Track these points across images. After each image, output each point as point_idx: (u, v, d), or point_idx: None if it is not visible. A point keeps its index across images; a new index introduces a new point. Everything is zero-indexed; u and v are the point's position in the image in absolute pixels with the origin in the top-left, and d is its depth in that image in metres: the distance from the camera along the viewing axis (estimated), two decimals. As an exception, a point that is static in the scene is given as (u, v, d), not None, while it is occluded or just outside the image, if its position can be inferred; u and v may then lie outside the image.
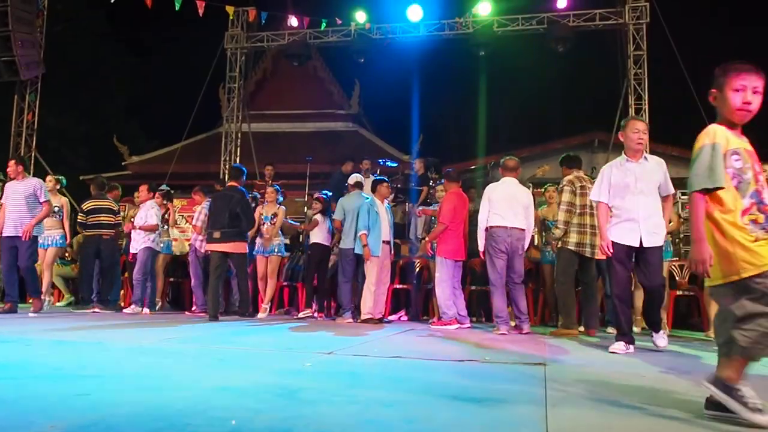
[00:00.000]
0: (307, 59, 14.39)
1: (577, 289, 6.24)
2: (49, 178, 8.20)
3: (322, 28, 12.75)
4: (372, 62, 13.69)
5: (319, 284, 7.85)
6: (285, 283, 8.44)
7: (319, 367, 3.23)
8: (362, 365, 3.39)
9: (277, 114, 20.62)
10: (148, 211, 7.86)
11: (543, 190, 7.90)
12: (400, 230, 9.35)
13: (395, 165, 12.18)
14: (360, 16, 12.76)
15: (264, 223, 7.75)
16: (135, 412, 1.98)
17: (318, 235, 7.68)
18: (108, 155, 20.24)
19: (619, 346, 4.38)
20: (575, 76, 18.43)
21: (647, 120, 11.38)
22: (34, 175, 8.42)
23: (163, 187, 8.70)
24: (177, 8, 10.16)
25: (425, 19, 12.71)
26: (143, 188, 8.06)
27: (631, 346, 4.42)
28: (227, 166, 13.96)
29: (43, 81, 12.15)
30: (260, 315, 7.57)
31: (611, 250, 4.47)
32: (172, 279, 9.11)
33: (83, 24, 22.81)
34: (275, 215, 7.85)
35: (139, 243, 7.76)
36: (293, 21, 12.96)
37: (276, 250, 7.88)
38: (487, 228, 5.93)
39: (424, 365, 3.41)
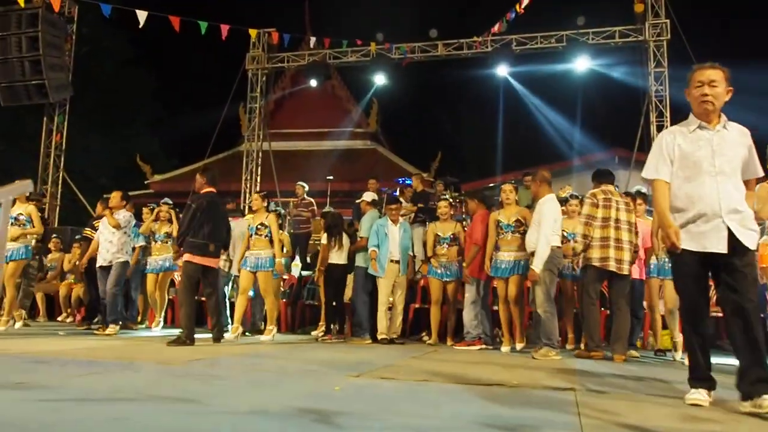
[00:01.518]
0: (327, 79, 14.60)
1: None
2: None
3: (343, 48, 12.90)
4: (390, 81, 13.81)
5: (335, 305, 7.63)
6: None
7: (348, 390, 3.24)
8: (391, 389, 3.39)
9: (295, 133, 20.87)
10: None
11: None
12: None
13: (409, 183, 12.20)
14: (379, 37, 12.91)
15: (251, 235, 6.95)
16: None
17: (333, 255, 7.51)
18: (131, 174, 20.57)
19: (699, 396, 3.05)
20: (595, 93, 18.43)
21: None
22: (61, 195, 8.54)
23: (167, 200, 8.48)
24: (203, 32, 10.38)
25: (443, 39, 12.83)
26: (116, 195, 7.38)
27: (711, 394, 3.10)
28: (248, 185, 14.13)
29: (69, 102, 12.44)
30: (264, 337, 6.83)
31: (677, 245, 3.05)
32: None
33: (107, 47, 23.35)
34: (263, 225, 6.93)
35: (108, 255, 7.15)
36: (312, 41, 13.12)
37: (265, 264, 6.90)
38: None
39: (453, 390, 3.40)
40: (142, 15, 9.84)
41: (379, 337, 6.90)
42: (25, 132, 20.09)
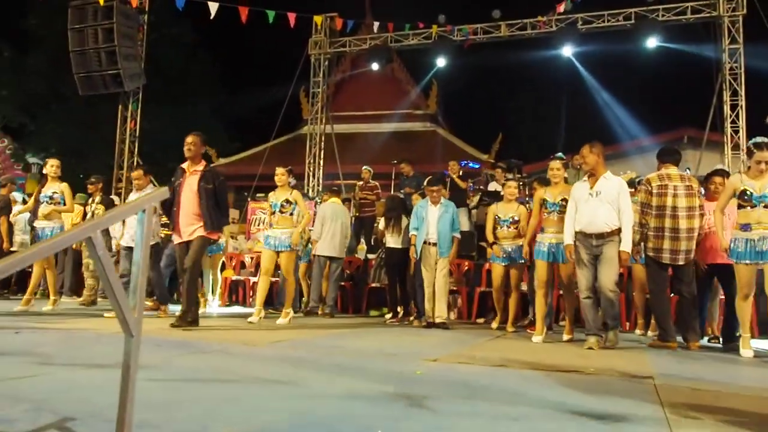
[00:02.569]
0: (389, 62, 14.65)
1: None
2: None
3: (406, 31, 12.91)
4: (451, 63, 13.73)
5: (393, 289, 7.80)
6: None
7: (430, 375, 3.38)
8: (472, 374, 3.50)
9: (355, 115, 21.00)
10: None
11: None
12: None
13: (477, 167, 12.19)
14: (441, 19, 12.85)
15: (273, 212, 6.62)
16: (286, 420, 2.18)
17: (390, 239, 7.59)
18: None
19: None
20: (664, 71, 17.83)
21: (743, 117, 10.92)
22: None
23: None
24: (270, 21, 10.62)
25: (507, 19, 12.66)
26: (139, 172, 7.04)
27: None
28: (311, 168, 14.42)
29: (142, 90, 12.98)
30: (280, 321, 6.43)
31: None
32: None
33: (172, 34, 23.99)
34: (288, 201, 6.57)
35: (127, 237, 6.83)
36: (375, 26, 13.18)
37: (289, 243, 6.52)
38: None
39: (532, 376, 3.48)
40: (213, 6, 10.16)
41: (395, 320, 7.09)
42: (98, 119, 21.02)
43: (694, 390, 3.22)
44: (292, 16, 10.99)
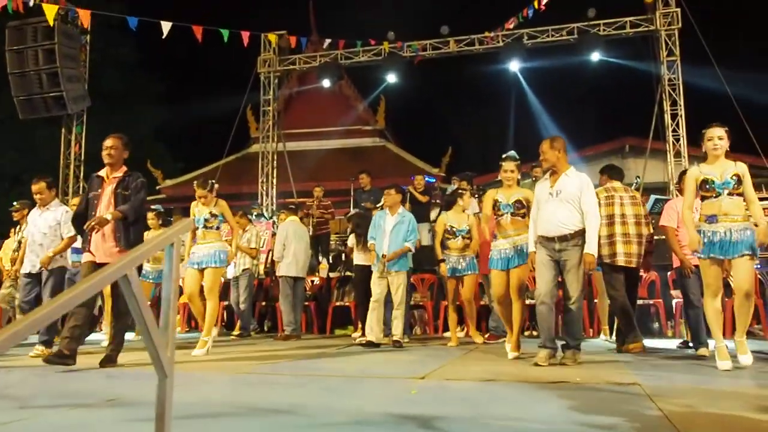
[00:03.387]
0: (339, 79, 14.65)
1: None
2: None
3: (357, 48, 12.96)
4: (401, 79, 13.85)
5: (362, 306, 7.43)
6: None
7: (426, 393, 3.35)
8: (466, 390, 3.50)
9: (303, 133, 20.90)
10: (61, 216, 5.98)
11: None
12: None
13: (433, 180, 12.28)
14: (390, 36, 12.97)
15: (197, 228, 5.98)
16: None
17: (359, 256, 7.54)
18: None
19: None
20: (605, 84, 18.55)
21: (683, 125, 11.45)
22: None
23: (157, 207, 8.15)
24: (225, 40, 10.48)
25: (455, 35, 12.89)
26: (41, 185, 5.97)
27: None
28: (264, 187, 14.22)
29: (87, 112, 12.53)
30: (197, 351, 5.60)
31: None
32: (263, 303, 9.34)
33: (112, 54, 23.35)
34: (213, 215, 5.97)
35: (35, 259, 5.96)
36: (326, 43, 13.19)
37: (216, 259, 5.89)
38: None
39: (525, 389, 3.50)
40: (166, 26, 9.93)
41: (364, 339, 6.46)
42: (35, 142, 20.18)
43: (680, 391, 3.32)
44: (245, 35, 10.87)
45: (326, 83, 13.90)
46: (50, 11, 10.08)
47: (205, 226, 5.92)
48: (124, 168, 4.92)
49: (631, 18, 12.05)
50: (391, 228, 6.53)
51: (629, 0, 12.35)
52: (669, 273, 7.50)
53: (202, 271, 5.88)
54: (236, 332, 8.33)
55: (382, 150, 21.10)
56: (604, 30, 12.09)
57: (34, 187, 5.98)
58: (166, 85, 27.74)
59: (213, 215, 5.95)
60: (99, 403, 3.09)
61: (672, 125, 11.53)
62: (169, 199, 19.05)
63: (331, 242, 11.64)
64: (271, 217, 11.24)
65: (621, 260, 5.64)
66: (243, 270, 8.33)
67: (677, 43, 11.65)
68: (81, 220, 4.83)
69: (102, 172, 4.88)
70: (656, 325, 7.65)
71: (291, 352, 6.00)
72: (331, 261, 10.65)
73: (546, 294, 4.65)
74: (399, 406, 2.99)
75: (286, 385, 3.78)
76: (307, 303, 8.90)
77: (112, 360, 4.69)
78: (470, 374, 4.13)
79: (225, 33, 10.64)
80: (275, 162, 14.35)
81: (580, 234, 4.62)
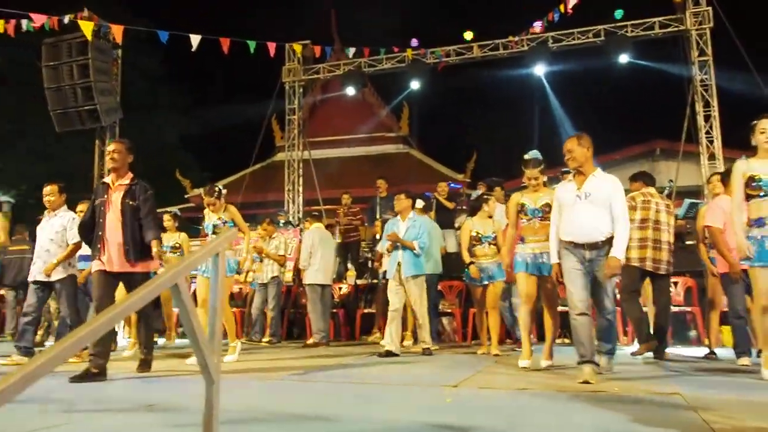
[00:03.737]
0: (363, 87, 14.71)
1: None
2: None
3: (380, 56, 13.01)
4: (424, 85, 13.86)
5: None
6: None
7: (460, 402, 3.34)
8: (499, 399, 3.48)
9: (327, 141, 21.02)
10: (68, 222, 5.82)
11: None
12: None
13: (459, 187, 12.26)
14: (413, 42, 13.00)
15: (207, 235, 6.09)
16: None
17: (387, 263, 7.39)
18: (171, 189, 20.97)
19: None
20: (633, 85, 18.33)
21: (716, 127, 11.24)
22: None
23: (173, 210, 8.15)
24: (252, 51, 10.64)
25: (479, 40, 12.88)
26: (53, 187, 5.86)
27: None
28: (290, 195, 14.33)
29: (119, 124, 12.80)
30: (228, 357, 5.64)
31: None
32: (292, 310, 9.43)
33: (140, 66, 23.85)
34: (223, 221, 5.98)
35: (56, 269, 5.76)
36: (349, 52, 13.27)
37: (226, 267, 5.79)
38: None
39: (560, 398, 3.46)
40: (195, 39, 10.13)
41: (386, 348, 6.11)
42: (65, 152, 20.63)
43: (723, 401, 3.25)
44: (272, 46, 11.03)
45: (350, 91, 13.96)
46: (87, 27, 10.35)
47: (214, 233, 5.90)
48: (131, 175, 4.80)
49: (660, 18, 11.88)
50: (404, 233, 6.41)
51: (658, 0, 12.19)
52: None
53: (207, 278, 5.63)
54: (266, 339, 8.39)
55: (405, 156, 21.10)
56: (632, 31, 11.94)
57: (46, 190, 5.85)
58: (193, 96, 28.22)
59: (223, 222, 5.91)
60: (139, 408, 3.15)
61: (705, 127, 11.31)
62: (197, 208, 19.28)
63: (363, 248, 11.63)
64: (297, 225, 11.31)
65: (649, 265, 5.66)
66: (272, 278, 8.40)
67: (709, 42, 11.44)
68: (88, 227, 4.74)
69: (107, 179, 4.78)
70: (693, 333, 7.49)
71: (321, 359, 6.02)
72: (359, 268, 10.66)
73: (581, 303, 4.15)
74: (433, 414, 2.99)
75: (320, 392, 3.80)
76: (335, 310, 8.94)
77: (147, 364, 4.75)
78: (503, 383, 4.10)
79: (252, 44, 10.80)
80: (301, 170, 14.46)
81: (610, 241, 4.15)
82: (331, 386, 4.11)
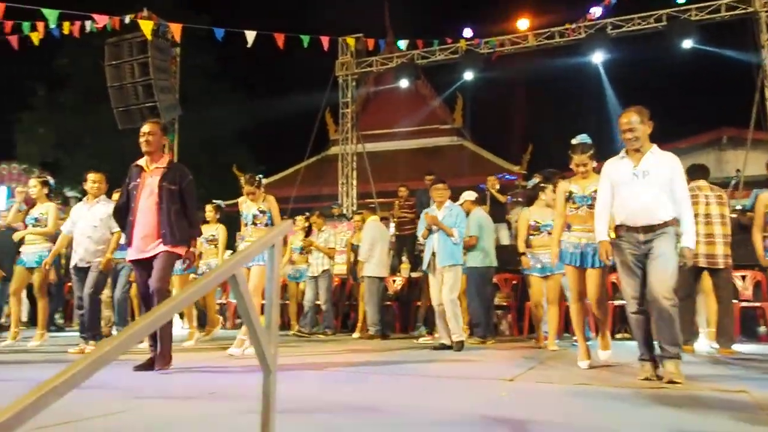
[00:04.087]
0: (416, 79, 14.66)
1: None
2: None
3: (434, 47, 12.93)
4: (478, 75, 13.69)
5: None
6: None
7: (516, 396, 3.29)
8: (557, 394, 3.41)
9: (380, 133, 21.07)
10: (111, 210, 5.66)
11: None
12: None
13: (514, 179, 12.08)
14: (467, 33, 12.86)
15: (246, 224, 6.00)
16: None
17: None
18: (227, 182, 21.46)
19: None
20: (699, 71, 17.61)
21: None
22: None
23: (219, 202, 8.10)
24: (305, 45, 10.76)
25: (533, 29, 12.63)
26: (101, 176, 6.06)
27: None
28: (344, 189, 14.45)
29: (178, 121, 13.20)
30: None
31: None
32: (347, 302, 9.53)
33: (196, 64, 24.48)
34: (262, 211, 5.88)
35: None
36: (402, 44, 13.23)
37: (262, 259, 6.05)
38: None
39: (622, 395, 3.36)
40: (250, 35, 10.33)
41: (440, 341, 6.09)
42: (128, 149, 21.40)
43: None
44: (325, 40, 11.14)
45: (403, 84, 13.94)
46: (146, 27, 10.70)
47: (253, 223, 5.81)
48: (167, 157, 4.61)
49: (726, 0, 11.35)
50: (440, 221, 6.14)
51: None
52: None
53: (248, 269, 5.50)
54: (320, 331, 8.49)
55: (459, 149, 20.93)
56: (696, 15, 11.46)
57: (95, 177, 5.94)
58: (247, 91, 28.73)
59: (262, 212, 5.81)
60: (200, 396, 3.23)
61: (775, 113, 10.80)
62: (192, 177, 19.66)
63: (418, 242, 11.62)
64: (350, 218, 11.38)
65: (702, 262, 5.53)
66: (323, 271, 8.45)
67: (779, 24, 10.89)
68: (123, 211, 4.54)
69: (141, 161, 4.51)
70: (763, 329, 7.16)
71: (376, 351, 6.05)
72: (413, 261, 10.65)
73: (636, 301, 3.89)
74: (488, 408, 2.95)
75: (375, 384, 3.81)
76: (389, 303, 8.96)
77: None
78: (560, 378, 4.01)
79: (305, 39, 10.93)
80: (354, 163, 14.54)
81: (672, 223, 3.78)
82: (386, 378, 4.12)
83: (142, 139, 4.47)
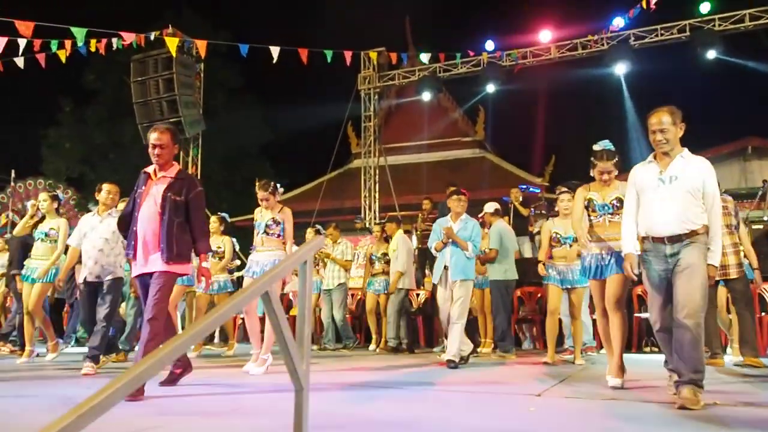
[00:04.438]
0: (438, 92, 14.67)
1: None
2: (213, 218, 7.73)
3: (457, 60, 12.95)
4: (500, 87, 13.66)
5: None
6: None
7: (545, 411, 3.25)
8: (586, 409, 3.35)
9: (401, 147, 21.07)
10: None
11: None
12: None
13: (538, 191, 11.99)
14: (489, 46, 12.86)
15: (258, 233, 5.63)
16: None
17: None
18: (249, 196, 21.61)
19: None
20: (723, 82, 17.43)
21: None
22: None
23: (224, 215, 8.05)
24: (329, 60, 10.88)
25: (556, 41, 12.59)
26: (116, 188, 5.90)
27: None
28: (367, 202, 14.47)
29: (201, 135, 13.39)
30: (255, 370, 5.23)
31: None
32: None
33: (220, 78, 24.82)
34: (275, 221, 5.54)
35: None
36: (424, 58, 13.28)
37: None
38: None
39: (650, 408, 3.30)
40: (275, 50, 10.47)
41: (443, 357, 5.89)
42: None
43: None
44: (348, 54, 11.24)
45: (425, 97, 13.97)
46: (172, 43, 10.90)
47: (266, 232, 5.46)
48: (177, 167, 4.31)
49: (750, 10, 11.23)
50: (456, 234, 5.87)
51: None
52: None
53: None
54: (341, 346, 8.46)
55: (481, 161, 20.83)
56: (720, 25, 11.34)
57: (111, 188, 5.78)
58: (269, 105, 29.05)
59: (275, 222, 5.47)
60: (226, 412, 3.25)
61: (802, 123, 10.61)
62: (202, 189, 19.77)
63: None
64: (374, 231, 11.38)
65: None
66: (338, 284, 8.41)
67: (806, 33, 10.73)
68: (127, 219, 4.22)
69: (150, 168, 4.22)
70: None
71: (400, 364, 6.02)
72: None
73: (664, 320, 3.58)
74: (517, 423, 2.92)
75: (402, 398, 3.80)
76: (413, 316, 8.93)
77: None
78: (589, 393, 3.94)
79: (328, 53, 11.04)
80: (377, 176, 14.58)
81: (700, 234, 3.47)
82: (413, 392, 4.10)
83: (153, 151, 4.15)
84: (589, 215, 4.50)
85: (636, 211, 3.72)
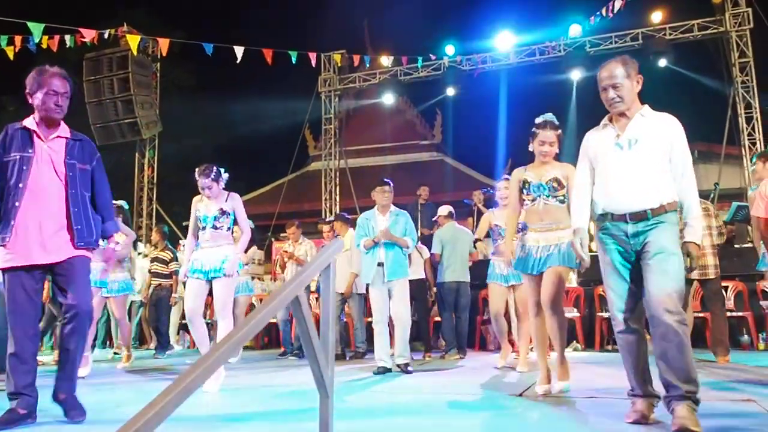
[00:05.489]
0: (399, 95, 14.72)
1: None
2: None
3: (419, 65, 13.03)
4: (458, 91, 13.80)
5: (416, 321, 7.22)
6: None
7: (530, 411, 3.29)
8: (573, 408, 3.42)
9: (359, 149, 21.06)
10: None
11: None
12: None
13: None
14: (450, 50, 12.98)
15: (204, 228, 4.77)
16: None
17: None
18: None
19: None
20: (671, 89, 18.05)
21: (759, 129, 11.02)
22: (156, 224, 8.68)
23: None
24: (294, 61, 10.79)
25: (515, 46, 12.82)
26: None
27: None
28: (328, 205, 14.41)
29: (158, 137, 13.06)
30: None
31: None
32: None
33: (173, 79, 24.29)
34: (224, 212, 4.75)
35: None
36: (385, 60, 13.32)
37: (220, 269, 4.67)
38: None
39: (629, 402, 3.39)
40: (239, 50, 10.29)
41: (379, 364, 5.39)
42: (109, 167, 21.07)
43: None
44: (312, 55, 11.17)
45: (386, 99, 14.01)
46: (133, 41, 10.59)
47: (214, 227, 4.66)
48: (65, 126, 3.41)
49: (699, 21, 11.71)
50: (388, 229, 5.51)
51: (696, 3, 12.03)
52: (757, 282, 7.26)
53: (209, 281, 4.62)
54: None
55: (439, 164, 21.05)
56: (670, 34, 11.79)
57: None
58: (226, 106, 28.53)
59: (224, 212, 4.69)
60: (253, 418, 3.19)
61: (747, 129, 11.12)
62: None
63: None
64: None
65: (694, 274, 5.47)
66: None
67: (749, 44, 11.26)
68: None
69: (30, 124, 3.35)
70: (746, 337, 7.31)
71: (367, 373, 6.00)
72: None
73: (623, 315, 2.86)
74: (516, 420, 2.95)
75: (390, 402, 3.79)
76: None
77: None
78: (566, 392, 4.02)
79: (293, 54, 10.95)
80: (337, 179, 14.54)
81: (669, 210, 2.78)
82: (415, 399, 4.09)
83: (50, 100, 3.26)
84: (522, 200, 4.00)
85: (590, 183, 3.02)
